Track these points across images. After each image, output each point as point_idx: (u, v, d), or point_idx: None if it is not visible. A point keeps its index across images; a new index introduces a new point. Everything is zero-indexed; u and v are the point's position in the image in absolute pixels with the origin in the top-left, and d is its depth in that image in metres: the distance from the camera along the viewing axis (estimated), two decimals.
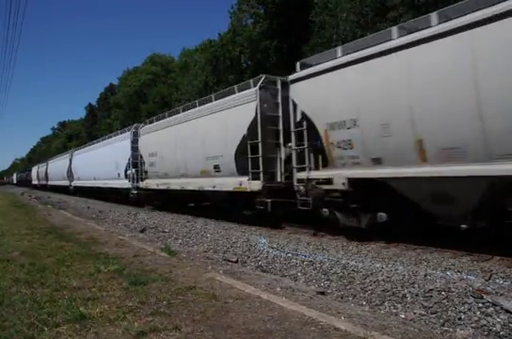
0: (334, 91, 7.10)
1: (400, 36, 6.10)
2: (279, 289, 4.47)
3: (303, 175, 7.98)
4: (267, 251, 6.87)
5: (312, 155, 7.99)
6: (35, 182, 49.62)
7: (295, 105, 8.17)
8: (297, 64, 8.13)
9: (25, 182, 61.07)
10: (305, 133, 7.97)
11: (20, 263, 5.45)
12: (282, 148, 8.98)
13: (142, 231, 10.52)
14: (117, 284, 4.26)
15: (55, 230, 9.15)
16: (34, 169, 51.37)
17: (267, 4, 20.44)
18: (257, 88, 8.99)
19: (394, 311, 4.23)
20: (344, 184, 7.05)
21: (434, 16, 5.73)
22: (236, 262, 6.70)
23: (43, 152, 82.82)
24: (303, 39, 18.77)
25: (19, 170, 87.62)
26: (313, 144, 7.85)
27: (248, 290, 4.09)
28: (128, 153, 16.88)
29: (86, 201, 22.59)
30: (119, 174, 17.98)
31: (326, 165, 7.64)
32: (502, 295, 4.00)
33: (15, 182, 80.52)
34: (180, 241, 8.91)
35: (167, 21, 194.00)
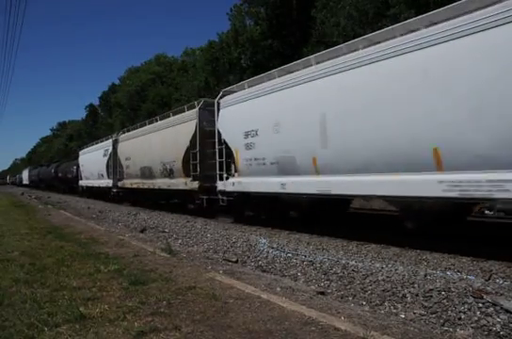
0: None
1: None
2: (279, 289, 4.47)
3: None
4: (267, 251, 6.87)
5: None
6: (89, 182, 23.64)
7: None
8: None
9: (54, 182, 36.09)
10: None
11: (20, 263, 5.45)
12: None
13: (142, 231, 10.52)
14: (117, 284, 4.26)
15: (55, 230, 9.15)
16: (85, 156, 24.65)
17: (267, 4, 20.43)
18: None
19: (394, 311, 4.23)
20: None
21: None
22: (236, 262, 6.69)
23: (44, 152, 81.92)
24: (303, 39, 18.77)
25: (33, 165, 61.51)
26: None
27: (248, 290, 4.09)
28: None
29: (86, 201, 22.59)
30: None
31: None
32: (502, 295, 4.00)
33: (26, 182, 55.85)
34: (180, 241, 8.91)
35: (170, 22, 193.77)
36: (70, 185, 30.31)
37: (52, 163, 43.15)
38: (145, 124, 16.29)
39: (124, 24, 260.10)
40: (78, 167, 26.44)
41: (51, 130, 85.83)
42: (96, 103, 58.83)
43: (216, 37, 24.64)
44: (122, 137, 18.68)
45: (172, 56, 42.71)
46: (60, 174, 33.60)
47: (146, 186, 15.31)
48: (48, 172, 39.65)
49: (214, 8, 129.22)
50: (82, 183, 25.65)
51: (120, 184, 18.32)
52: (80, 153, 26.75)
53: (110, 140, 20.01)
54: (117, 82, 49.77)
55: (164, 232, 10.13)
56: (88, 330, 3.03)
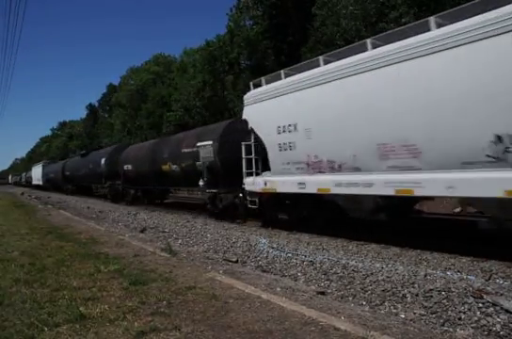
0: None
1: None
2: (279, 289, 4.47)
3: None
4: (267, 251, 6.86)
5: None
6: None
7: None
8: None
9: (110, 182, 18.79)
10: None
11: (20, 263, 5.46)
12: None
13: (142, 231, 10.51)
14: (117, 284, 4.27)
15: (55, 230, 9.15)
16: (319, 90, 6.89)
17: (266, 5, 20.42)
18: None
19: (394, 311, 4.23)
20: None
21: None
22: (236, 262, 6.69)
23: (43, 152, 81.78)
24: (302, 39, 18.77)
25: (51, 159, 46.30)
26: None
27: (248, 290, 4.09)
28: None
29: (85, 200, 22.46)
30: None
31: None
32: (502, 295, 4.00)
33: (38, 182, 40.23)
34: (180, 241, 8.90)
35: (170, 22, 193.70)
36: (166, 186, 15.72)
37: (92, 150, 26.35)
38: None
39: (125, 24, 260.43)
40: (241, 139, 9.49)
41: (51, 130, 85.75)
42: (96, 103, 58.79)
43: (214, 37, 24.67)
44: None
45: (169, 54, 42.73)
46: (130, 167, 16.33)
47: None
48: (85, 166, 22.24)
49: (214, 7, 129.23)
50: (288, 187, 8.04)
51: None
52: (246, 98, 9.42)
53: None
54: (118, 82, 49.68)
55: (164, 232, 10.13)
56: (88, 330, 3.03)
